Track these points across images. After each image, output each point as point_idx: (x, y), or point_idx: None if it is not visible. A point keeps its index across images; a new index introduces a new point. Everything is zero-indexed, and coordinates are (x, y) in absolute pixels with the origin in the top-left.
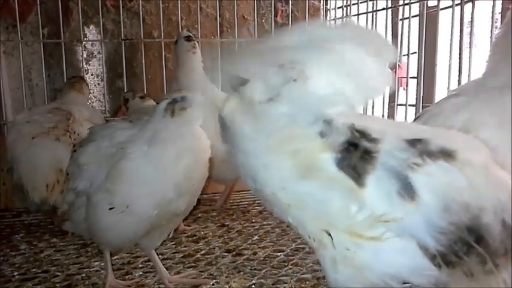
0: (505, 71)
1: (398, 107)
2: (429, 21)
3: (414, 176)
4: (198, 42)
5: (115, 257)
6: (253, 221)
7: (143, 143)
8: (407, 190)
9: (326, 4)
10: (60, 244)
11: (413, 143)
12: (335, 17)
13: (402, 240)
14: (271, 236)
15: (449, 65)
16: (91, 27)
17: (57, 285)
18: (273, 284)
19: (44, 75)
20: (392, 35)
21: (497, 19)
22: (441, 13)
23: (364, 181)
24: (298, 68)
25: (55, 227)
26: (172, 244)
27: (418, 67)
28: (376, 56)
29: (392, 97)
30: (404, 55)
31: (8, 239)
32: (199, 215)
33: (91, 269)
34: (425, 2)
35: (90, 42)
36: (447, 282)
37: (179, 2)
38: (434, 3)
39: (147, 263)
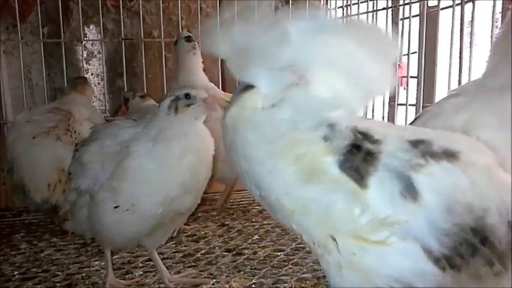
0: (505, 71)
1: (399, 106)
2: (429, 21)
3: (416, 177)
4: (198, 42)
5: (115, 257)
6: (254, 220)
7: (147, 141)
8: (410, 191)
9: (326, 4)
10: (60, 243)
11: (415, 143)
12: (335, 16)
13: (406, 243)
14: (271, 235)
15: (450, 65)
16: (91, 26)
17: (58, 284)
18: (273, 284)
19: (44, 75)
20: (392, 34)
21: (497, 19)
22: (441, 13)
23: (367, 183)
24: (299, 72)
25: (55, 226)
26: (173, 243)
27: (418, 67)
28: (378, 54)
29: (393, 97)
30: (404, 55)
31: (8, 238)
32: (200, 214)
33: (91, 269)
34: (426, 1)
35: (90, 42)
36: (453, 286)
37: (179, 1)
38: (435, 3)
39: (147, 263)
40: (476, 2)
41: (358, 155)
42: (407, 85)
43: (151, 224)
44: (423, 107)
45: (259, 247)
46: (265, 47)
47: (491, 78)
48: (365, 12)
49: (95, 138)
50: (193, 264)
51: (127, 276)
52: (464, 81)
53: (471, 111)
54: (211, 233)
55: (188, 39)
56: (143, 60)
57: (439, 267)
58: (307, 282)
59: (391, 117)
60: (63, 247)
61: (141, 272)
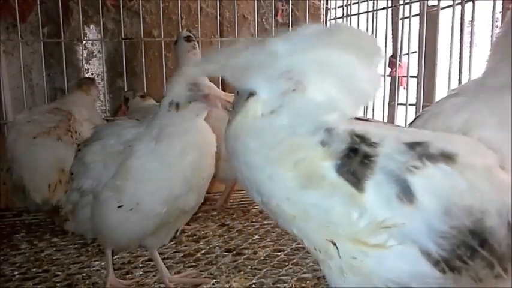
0: (505, 70)
1: (399, 106)
2: (430, 20)
3: (413, 179)
4: (198, 41)
5: (116, 257)
6: (254, 220)
7: (150, 141)
8: (406, 193)
9: (326, 3)
10: (60, 243)
11: (412, 145)
12: (335, 16)
13: (404, 246)
14: (271, 235)
15: (450, 65)
16: (91, 26)
17: (58, 284)
18: (273, 284)
19: (44, 75)
20: (392, 34)
21: (497, 19)
22: (442, 12)
23: (364, 186)
24: (295, 78)
25: (56, 226)
26: (173, 243)
27: (418, 66)
28: (365, 58)
29: (393, 96)
30: (404, 54)
31: (9, 238)
32: (200, 214)
33: (91, 269)
34: (426, 1)
35: (90, 42)
36: None
37: (179, 1)
38: (435, 2)
39: (147, 263)
40: (476, 1)
41: (355, 159)
42: (407, 85)
43: (155, 223)
44: (423, 106)
45: (259, 247)
46: (259, 62)
47: (491, 78)
48: (365, 12)
49: (97, 138)
50: (194, 264)
51: (127, 276)
52: (464, 80)
53: (471, 111)
54: (211, 233)
55: (188, 39)
56: (143, 60)
57: (439, 269)
58: (308, 282)
59: (391, 117)
60: (64, 247)
61: (141, 272)
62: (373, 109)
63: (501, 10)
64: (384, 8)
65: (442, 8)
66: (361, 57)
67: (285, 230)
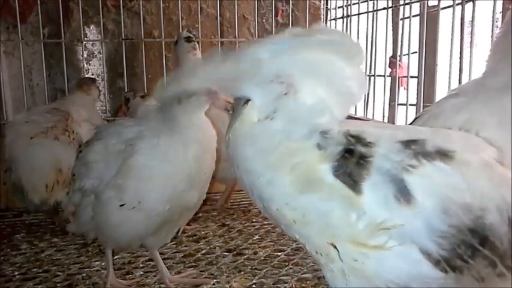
0: (505, 70)
1: (399, 106)
2: (430, 20)
3: (409, 179)
4: (198, 42)
5: (116, 257)
6: (254, 220)
7: (152, 137)
8: (403, 193)
9: (327, 4)
10: (61, 244)
11: (408, 144)
12: (335, 16)
13: (404, 246)
14: (271, 235)
15: (450, 65)
16: (91, 27)
17: (58, 284)
18: (273, 284)
19: (44, 75)
20: (393, 34)
21: (497, 19)
22: (442, 12)
23: (361, 188)
24: (286, 81)
25: (56, 226)
26: (173, 244)
27: (418, 66)
28: (348, 58)
29: (393, 97)
30: (405, 55)
31: (9, 238)
32: (200, 214)
33: (92, 269)
34: (426, 1)
35: (91, 42)
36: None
37: (179, 1)
38: (435, 2)
39: (147, 263)
40: (476, 1)
41: (351, 160)
42: (407, 85)
43: (157, 221)
44: (424, 107)
45: (259, 247)
46: (244, 70)
47: (491, 78)
48: (365, 12)
49: (98, 137)
50: (194, 264)
51: (128, 276)
52: (464, 81)
53: (471, 111)
54: (211, 233)
55: (188, 39)
56: (143, 60)
57: (439, 269)
58: (308, 282)
59: (392, 118)
60: (64, 247)
61: (141, 272)
62: (373, 109)
63: (501, 10)
64: (384, 8)
65: (442, 8)
66: (344, 57)
67: (289, 235)
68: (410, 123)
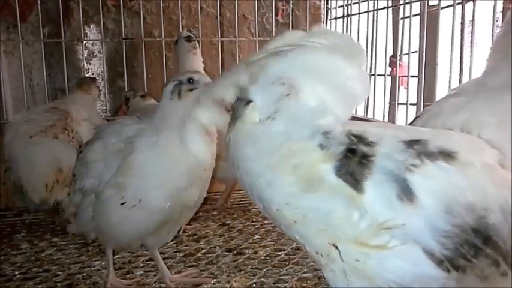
0: (505, 70)
1: (399, 106)
2: (430, 20)
3: (412, 178)
4: (198, 41)
5: (116, 256)
6: (254, 220)
7: (152, 135)
8: (406, 193)
9: (327, 3)
10: (61, 243)
11: (411, 144)
12: (336, 16)
13: (407, 246)
14: (272, 235)
15: (451, 64)
16: (91, 26)
17: (58, 284)
18: (274, 283)
19: (44, 75)
20: (393, 34)
21: (498, 18)
22: (442, 12)
23: (363, 187)
24: (288, 82)
25: (56, 226)
26: (173, 243)
27: (419, 66)
28: (350, 59)
29: (394, 96)
30: (405, 54)
31: (9, 238)
32: (200, 214)
33: (92, 268)
34: (426, 1)
35: (91, 42)
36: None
37: (180, 1)
38: (436, 2)
39: (148, 262)
40: (477, 1)
41: (353, 159)
42: (408, 84)
43: (158, 220)
44: (424, 106)
45: (260, 246)
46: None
47: (491, 77)
48: (365, 12)
49: (98, 137)
50: (194, 263)
51: (128, 275)
52: (465, 80)
53: (471, 111)
54: (212, 233)
55: (188, 39)
56: (144, 60)
57: (442, 269)
58: (308, 281)
59: (392, 117)
60: (64, 247)
61: (142, 272)
62: (373, 109)
63: (501, 10)
64: (384, 8)
65: (443, 8)
66: (346, 58)
67: (289, 235)
68: (411, 123)
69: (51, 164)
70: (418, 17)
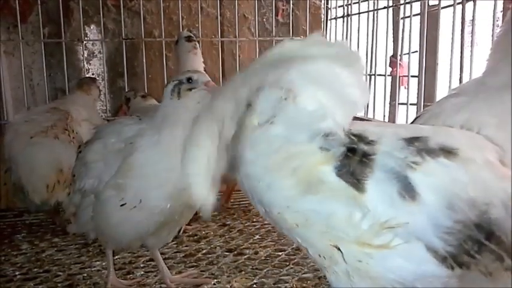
0: (506, 69)
1: (400, 106)
2: (430, 20)
3: (413, 175)
4: (198, 41)
5: (117, 257)
6: (255, 220)
7: (152, 134)
8: (408, 190)
9: (327, 3)
10: (61, 244)
11: (411, 141)
12: (336, 15)
13: (410, 244)
14: (272, 235)
15: (451, 64)
16: (92, 26)
17: (59, 284)
18: (274, 284)
19: (44, 75)
20: (393, 33)
21: (498, 18)
22: (442, 12)
23: (364, 186)
24: (285, 86)
25: (56, 226)
26: (174, 244)
27: (419, 66)
28: (348, 66)
29: (394, 96)
30: (405, 54)
31: (10, 238)
32: (201, 214)
33: (92, 269)
34: (427, 0)
35: (91, 42)
36: (463, 285)
37: (180, 1)
38: (436, 2)
39: (148, 263)
40: (477, 1)
41: (354, 158)
42: (408, 84)
43: (158, 220)
44: (424, 106)
45: (260, 247)
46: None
47: (491, 77)
48: (366, 11)
49: (98, 137)
50: (195, 264)
51: (128, 276)
52: (465, 80)
53: (471, 111)
54: (212, 233)
55: (189, 39)
56: (144, 60)
57: (446, 266)
58: (309, 282)
59: (392, 117)
60: (65, 247)
61: (142, 272)
62: (373, 109)
63: (502, 10)
64: (384, 8)
65: (443, 8)
66: (343, 66)
67: (291, 239)
68: (411, 123)
69: (52, 165)
70: (419, 16)
